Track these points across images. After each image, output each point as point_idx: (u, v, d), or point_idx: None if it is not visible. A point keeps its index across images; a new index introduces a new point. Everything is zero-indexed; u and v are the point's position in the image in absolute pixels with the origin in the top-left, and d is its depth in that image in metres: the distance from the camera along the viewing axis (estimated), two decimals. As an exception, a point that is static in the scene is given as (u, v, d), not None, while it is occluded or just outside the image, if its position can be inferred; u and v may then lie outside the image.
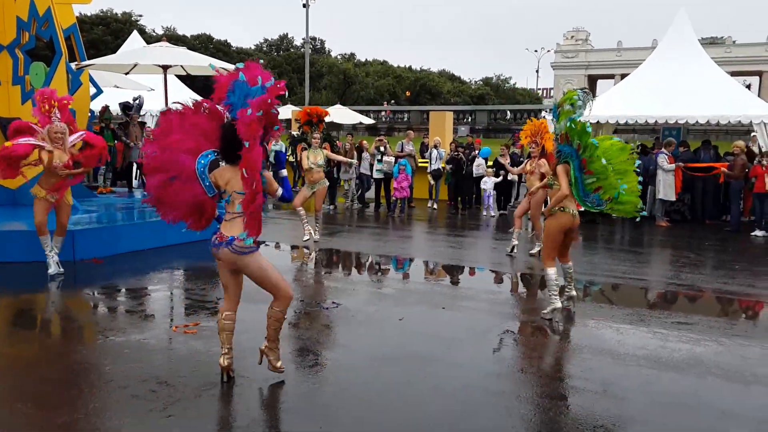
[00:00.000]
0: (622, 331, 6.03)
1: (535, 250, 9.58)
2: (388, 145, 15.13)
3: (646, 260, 10.03)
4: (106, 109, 15.67)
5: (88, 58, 12.10)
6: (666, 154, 13.01)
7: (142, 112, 15.38)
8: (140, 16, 62.43)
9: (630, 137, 29.40)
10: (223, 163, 4.38)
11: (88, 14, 55.21)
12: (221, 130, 4.32)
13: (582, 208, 6.45)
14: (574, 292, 6.78)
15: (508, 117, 47.03)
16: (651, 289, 8.15)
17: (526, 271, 8.79)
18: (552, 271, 6.35)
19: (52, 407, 4.07)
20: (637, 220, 6.57)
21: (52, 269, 7.55)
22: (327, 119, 28.05)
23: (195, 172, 4.35)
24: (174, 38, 56.69)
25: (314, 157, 9.80)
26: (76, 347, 5.41)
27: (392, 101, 62.08)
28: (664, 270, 9.34)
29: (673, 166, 12.89)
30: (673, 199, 13.10)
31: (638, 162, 6.38)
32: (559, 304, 6.36)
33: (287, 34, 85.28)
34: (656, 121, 14.85)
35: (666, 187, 13.02)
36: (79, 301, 7.02)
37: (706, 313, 6.95)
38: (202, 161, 4.36)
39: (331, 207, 14.53)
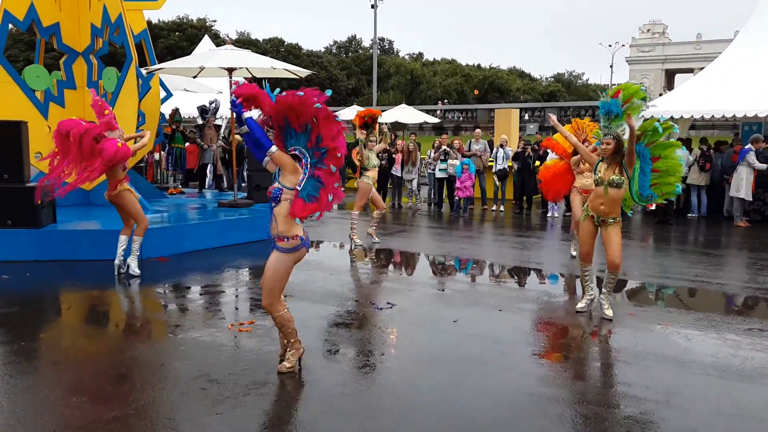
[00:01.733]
0: (690, 338, 5.72)
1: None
2: (455, 148, 14.76)
3: (721, 262, 9.50)
4: (176, 111, 16.19)
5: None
6: (754, 151, 12.32)
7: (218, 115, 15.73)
8: (214, 21, 64.44)
9: (709, 133, 28.11)
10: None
11: (165, 20, 57.40)
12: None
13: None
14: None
15: (581, 114, 45.76)
16: (724, 293, 7.69)
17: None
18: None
19: (105, 401, 4.17)
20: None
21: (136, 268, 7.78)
22: (392, 119, 27.95)
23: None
24: (247, 42, 58.18)
25: (374, 157, 10.12)
26: (134, 343, 5.56)
27: (445, 101, 61.47)
28: (740, 273, 8.82)
29: (764, 165, 12.19)
30: (751, 198, 12.42)
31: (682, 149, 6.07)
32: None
33: (355, 35, 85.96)
34: (734, 116, 14.09)
35: (747, 186, 12.34)
36: (142, 298, 7.22)
37: (784, 319, 6.51)
38: None
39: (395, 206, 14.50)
